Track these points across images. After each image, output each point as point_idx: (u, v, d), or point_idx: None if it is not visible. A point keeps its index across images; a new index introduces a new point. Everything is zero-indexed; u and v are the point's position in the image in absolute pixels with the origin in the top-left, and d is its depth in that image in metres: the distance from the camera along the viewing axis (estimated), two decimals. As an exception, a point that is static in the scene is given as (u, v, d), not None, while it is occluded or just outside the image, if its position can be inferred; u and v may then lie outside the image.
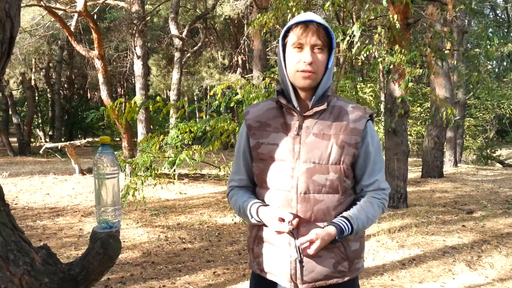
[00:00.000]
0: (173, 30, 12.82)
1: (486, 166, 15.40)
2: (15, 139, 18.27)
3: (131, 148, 10.03)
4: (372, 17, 5.75)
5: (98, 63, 10.11)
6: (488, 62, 17.38)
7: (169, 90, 15.05)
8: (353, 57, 6.80)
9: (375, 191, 1.57)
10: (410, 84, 6.11)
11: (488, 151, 17.52)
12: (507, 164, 16.98)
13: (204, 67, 17.39)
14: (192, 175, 9.73)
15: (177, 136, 5.52)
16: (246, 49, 18.93)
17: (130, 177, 5.78)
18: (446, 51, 7.94)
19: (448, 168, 11.82)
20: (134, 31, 10.97)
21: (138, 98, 7.00)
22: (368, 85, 15.09)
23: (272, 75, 6.39)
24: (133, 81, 16.71)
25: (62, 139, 18.64)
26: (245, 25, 18.11)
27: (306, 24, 1.43)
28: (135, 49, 10.98)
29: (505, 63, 25.79)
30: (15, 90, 18.97)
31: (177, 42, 13.15)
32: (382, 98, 12.40)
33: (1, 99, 17.76)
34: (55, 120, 20.63)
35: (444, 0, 6.69)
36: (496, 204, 6.73)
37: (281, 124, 1.53)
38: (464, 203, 6.92)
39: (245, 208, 1.56)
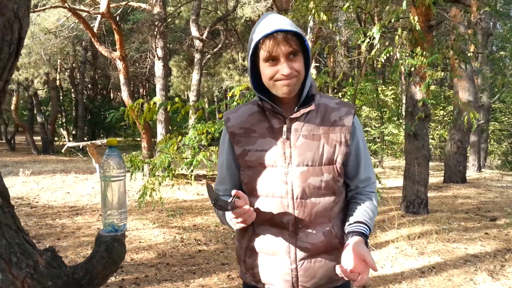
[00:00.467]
0: (194, 31, 12.90)
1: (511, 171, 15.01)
2: (39, 138, 18.65)
3: (150, 148, 10.10)
4: (393, 20, 5.64)
5: (119, 64, 10.23)
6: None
7: (189, 91, 15.15)
8: (374, 59, 6.70)
9: (369, 186, 1.55)
10: (433, 87, 5.98)
11: (513, 156, 17.12)
12: (533, 170, 16.50)
13: (224, 69, 17.45)
14: (210, 176, 9.75)
15: (195, 137, 5.52)
16: (267, 51, 18.86)
17: (148, 177, 5.81)
18: (470, 54, 7.76)
19: (471, 173, 11.56)
20: (155, 33, 11.07)
21: (158, 98, 7.03)
22: (390, 87, 14.89)
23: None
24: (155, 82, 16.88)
25: (85, 138, 18.97)
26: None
27: (273, 35, 1.36)
28: (156, 51, 11.07)
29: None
30: (41, 90, 19.36)
31: (197, 43, 13.22)
32: (404, 101, 12.21)
33: (26, 99, 18.14)
34: (78, 119, 21.00)
35: (468, 2, 6.53)
36: (520, 212, 6.54)
37: (266, 128, 1.48)
38: (487, 210, 6.73)
39: (223, 216, 1.50)
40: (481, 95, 12.72)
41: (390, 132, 13.88)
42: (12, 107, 17.20)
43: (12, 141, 18.75)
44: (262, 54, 1.39)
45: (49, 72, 15.93)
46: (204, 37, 13.44)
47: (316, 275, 1.46)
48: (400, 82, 15.32)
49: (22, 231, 1.21)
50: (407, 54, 5.80)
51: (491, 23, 13.11)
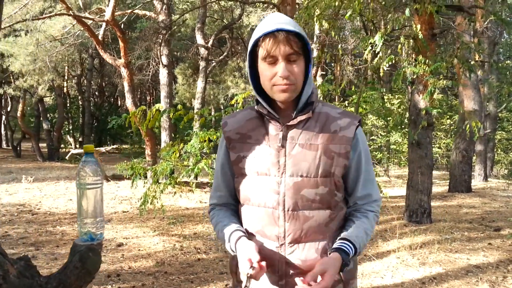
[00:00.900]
0: (199, 39, 12.93)
1: (518, 181, 14.83)
2: (45, 145, 18.76)
3: (153, 155, 10.11)
4: (396, 28, 5.61)
5: (124, 71, 10.29)
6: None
7: (194, 99, 15.17)
8: (377, 68, 6.67)
9: (369, 204, 1.46)
10: (439, 96, 5.93)
11: (520, 165, 16.93)
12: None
13: (230, 76, 17.48)
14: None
15: (197, 145, 5.50)
16: (272, 58, 18.90)
17: (150, 184, 5.79)
18: (473, 62, 7.70)
19: (477, 182, 11.43)
20: (160, 40, 11.12)
21: (160, 105, 7.04)
22: (397, 96, 14.80)
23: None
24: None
25: (91, 146, 19.01)
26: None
27: (274, 34, 1.29)
28: (160, 58, 11.12)
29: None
30: (48, 97, 19.49)
31: (202, 51, 13.26)
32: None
33: (33, 105, 18.25)
34: (85, 126, 21.12)
35: (472, 11, 6.48)
36: (526, 222, 6.44)
37: (263, 135, 1.41)
38: (492, 220, 6.63)
39: (224, 235, 1.44)
40: (487, 104, 12.62)
41: (396, 141, 13.78)
42: (19, 114, 17.34)
43: (18, 148, 18.88)
44: (261, 52, 1.33)
45: (54, 79, 16.02)
46: (209, 45, 13.47)
47: None
48: (407, 91, 15.24)
49: (-7, 239, 1.18)
50: (410, 62, 5.76)
51: (498, 32, 13.03)
